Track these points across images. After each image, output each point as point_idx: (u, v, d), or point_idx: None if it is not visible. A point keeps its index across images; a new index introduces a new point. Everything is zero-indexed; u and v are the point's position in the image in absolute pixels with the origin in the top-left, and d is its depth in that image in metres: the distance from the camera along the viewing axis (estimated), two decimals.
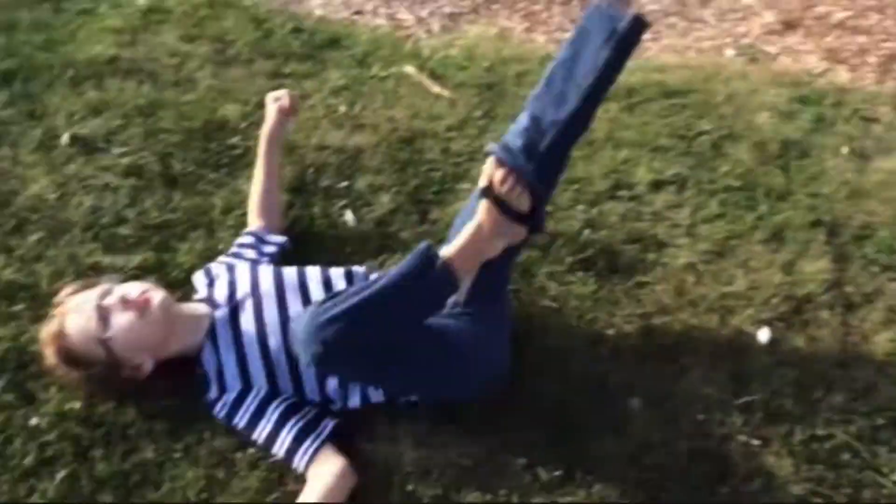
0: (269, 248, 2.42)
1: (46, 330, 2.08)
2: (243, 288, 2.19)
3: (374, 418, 2.13)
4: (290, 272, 2.23)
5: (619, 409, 2.19)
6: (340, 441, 2.04)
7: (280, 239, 2.46)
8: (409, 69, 3.18)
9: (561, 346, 2.31)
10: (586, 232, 2.59)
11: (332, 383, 2.10)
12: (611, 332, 2.36)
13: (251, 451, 2.04)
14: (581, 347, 2.31)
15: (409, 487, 2.01)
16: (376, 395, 2.12)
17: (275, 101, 2.60)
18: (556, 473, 2.05)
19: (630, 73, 3.13)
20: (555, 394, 2.21)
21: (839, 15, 3.63)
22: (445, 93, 3.08)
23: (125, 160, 2.73)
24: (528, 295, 2.41)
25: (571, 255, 2.53)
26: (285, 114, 2.59)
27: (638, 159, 2.84)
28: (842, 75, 3.32)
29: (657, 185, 2.76)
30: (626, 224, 2.64)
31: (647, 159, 2.84)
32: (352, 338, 1.84)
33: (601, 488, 2.03)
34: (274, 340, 2.09)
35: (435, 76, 3.17)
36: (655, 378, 2.26)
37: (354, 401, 2.12)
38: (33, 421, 2.07)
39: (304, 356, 1.87)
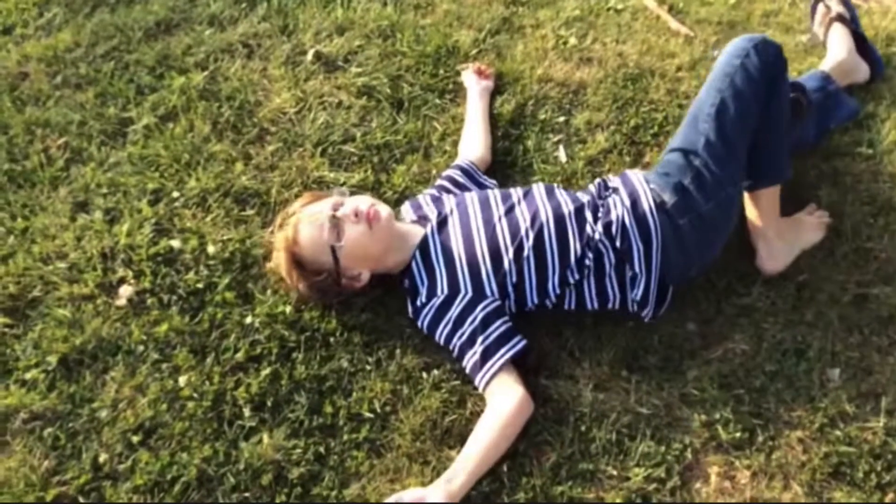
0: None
1: (281, 236, 2.23)
2: (449, 204, 2.29)
3: (558, 356, 2.17)
4: (492, 190, 2.34)
5: (815, 377, 2.10)
6: (523, 370, 2.10)
7: (490, 183, 2.51)
8: (649, 1, 3.07)
9: (759, 306, 2.23)
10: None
11: (531, 282, 2.15)
12: (821, 296, 2.25)
13: (436, 372, 2.14)
14: (783, 309, 2.22)
15: (584, 428, 2.04)
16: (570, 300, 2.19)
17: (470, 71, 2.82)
18: (737, 434, 2.01)
19: (892, 19, 2.88)
20: (746, 353, 2.15)
21: None
22: (683, 29, 2.96)
23: (360, 80, 2.85)
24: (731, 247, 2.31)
25: (793, 208, 2.41)
26: (482, 76, 2.79)
27: (886, 115, 2.63)
28: None
29: None
30: (859, 184, 2.47)
31: None
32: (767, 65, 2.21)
33: (781, 455, 1.98)
34: (479, 244, 2.17)
35: (675, 10, 3.05)
36: (862, 350, 2.15)
37: (551, 293, 2.16)
38: (248, 319, 2.26)
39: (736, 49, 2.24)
